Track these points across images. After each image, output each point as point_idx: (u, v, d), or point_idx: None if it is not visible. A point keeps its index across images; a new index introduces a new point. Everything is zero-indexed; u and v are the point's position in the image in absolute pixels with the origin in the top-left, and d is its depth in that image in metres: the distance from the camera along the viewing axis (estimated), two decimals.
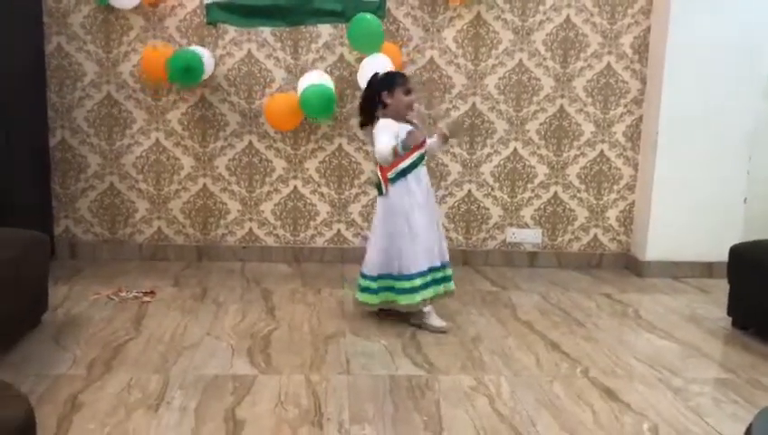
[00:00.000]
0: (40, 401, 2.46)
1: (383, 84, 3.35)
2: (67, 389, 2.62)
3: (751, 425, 1.58)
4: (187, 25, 4.24)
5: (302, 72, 4.32)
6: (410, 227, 3.32)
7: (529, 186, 4.58)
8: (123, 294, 3.72)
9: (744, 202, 4.47)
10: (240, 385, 2.71)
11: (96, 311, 3.48)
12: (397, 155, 3.22)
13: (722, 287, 3.81)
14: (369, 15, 4.07)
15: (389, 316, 3.46)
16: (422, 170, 3.39)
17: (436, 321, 3.40)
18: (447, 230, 4.56)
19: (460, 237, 4.60)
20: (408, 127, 3.28)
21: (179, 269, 4.28)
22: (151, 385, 2.68)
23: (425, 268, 3.34)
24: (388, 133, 3.25)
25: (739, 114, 4.38)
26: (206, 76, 4.16)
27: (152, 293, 3.77)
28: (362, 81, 3.83)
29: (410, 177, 3.32)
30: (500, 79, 4.44)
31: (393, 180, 3.33)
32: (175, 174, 4.41)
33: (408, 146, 3.19)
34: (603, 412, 2.60)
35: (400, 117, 3.32)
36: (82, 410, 2.47)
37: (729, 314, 3.60)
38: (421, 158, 3.36)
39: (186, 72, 4.00)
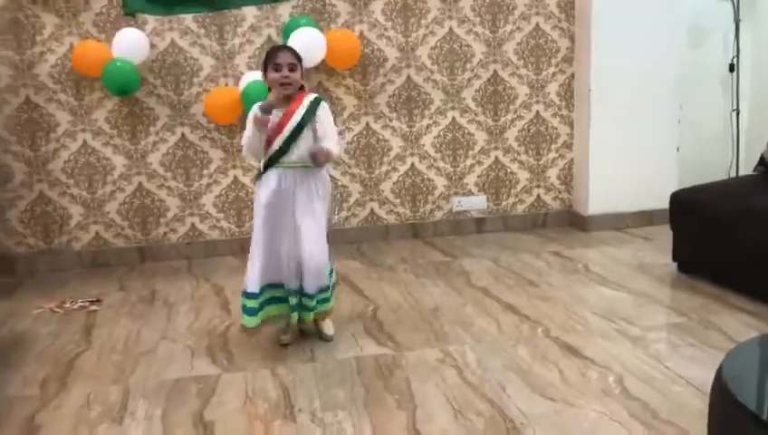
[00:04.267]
0: None
1: (262, 67, 2.90)
2: (22, 411, 2.49)
3: (721, 366, 1.62)
4: (104, 19, 4.05)
5: (230, 57, 4.20)
6: (255, 233, 2.87)
7: (470, 153, 4.59)
8: (68, 305, 3.57)
9: (678, 150, 4.60)
10: (204, 386, 2.64)
11: (41, 326, 3.33)
12: (259, 125, 2.75)
13: (664, 234, 3.93)
14: None
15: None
16: (292, 173, 2.81)
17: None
18: (394, 206, 4.55)
19: (407, 211, 4.59)
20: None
21: (123, 273, 4.13)
22: (111, 397, 2.58)
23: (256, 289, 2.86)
24: (249, 124, 2.82)
25: (666, 65, 4.49)
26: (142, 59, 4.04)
27: (98, 301, 3.63)
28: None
29: (272, 173, 2.83)
30: (432, 49, 4.42)
31: (258, 175, 2.90)
32: (107, 175, 4.23)
33: (261, 107, 2.75)
34: (569, 370, 2.65)
35: (280, 97, 2.81)
36: (41, 432, 2.36)
37: (674, 259, 3.71)
38: (282, 152, 2.79)
39: (123, 93, 4.00)
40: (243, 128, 2.79)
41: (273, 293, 2.93)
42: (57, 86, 4.08)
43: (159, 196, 4.31)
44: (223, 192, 4.37)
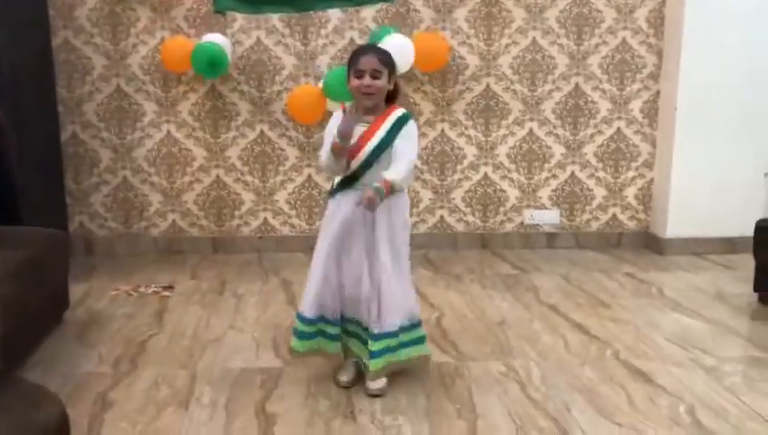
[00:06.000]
0: (69, 399, 2.41)
1: (347, 70, 2.53)
2: (95, 387, 2.59)
3: None
4: (194, 15, 4.18)
5: (312, 57, 4.26)
6: (317, 254, 2.58)
7: (546, 166, 4.52)
8: (142, 289, 3.69)
9: (765, 176, 4.40)
10: (268, 378, 2.68)
11: (117, 307, 3.45)
12: (338, 154, 2.39)
13: (746, 263, 3.76)
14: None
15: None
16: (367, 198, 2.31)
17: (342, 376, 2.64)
18: (464, 214, 4.52)
19: (477, 221, 4.55)
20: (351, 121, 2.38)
21: (196, 262, 4.25)
22: (179, 381, 2.65)
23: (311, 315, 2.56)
24: (328, 138, 2.46)
25: (760, 86, 4.30)
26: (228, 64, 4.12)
27: (171, 287, 3.74)
28: None
29: (347, 195, 2.48)
30: (514, 58, 4.37)
31: (332, 192, 2.57)
32: (187, 166, 4.36)
33: (340, 133, 2.36)
34: (638, 395, 2.56)
35: (361, 107, 2.45)
36: (113, 408, 2.44)
37: (755, 289, 3.55)
38: (357, 176, 2.45)
39: (210, 67, 3.99)
40: (322, 127, 2.57)
41: (326, 328, 2.60)
42: (146, 77, 4.23)
43: (235, 189, 4.41)
44: (296, 189, 4.43)
